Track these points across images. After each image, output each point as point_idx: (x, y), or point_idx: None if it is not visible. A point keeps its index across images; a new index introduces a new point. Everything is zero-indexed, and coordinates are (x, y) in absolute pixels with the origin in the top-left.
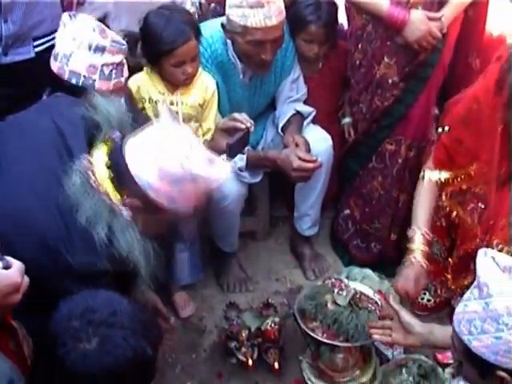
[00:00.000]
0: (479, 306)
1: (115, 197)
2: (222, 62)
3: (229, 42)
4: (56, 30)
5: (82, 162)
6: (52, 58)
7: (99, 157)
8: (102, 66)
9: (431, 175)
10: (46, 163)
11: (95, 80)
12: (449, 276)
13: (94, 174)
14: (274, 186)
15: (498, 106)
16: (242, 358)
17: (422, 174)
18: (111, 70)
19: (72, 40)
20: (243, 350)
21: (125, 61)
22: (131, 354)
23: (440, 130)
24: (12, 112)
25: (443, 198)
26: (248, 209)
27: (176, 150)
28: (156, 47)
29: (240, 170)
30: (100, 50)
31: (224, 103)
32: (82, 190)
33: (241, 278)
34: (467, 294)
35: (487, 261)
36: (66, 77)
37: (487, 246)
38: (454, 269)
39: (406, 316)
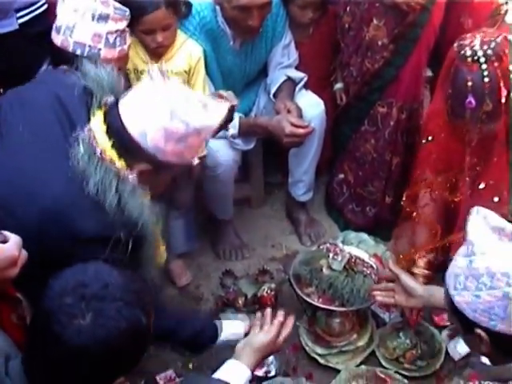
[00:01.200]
0: (464, 262)
1: (120, 164)
2: (211, 30)
3: (218, 8)
4: (37, 2)
5: (85, 131)
6: (54, 31)
7: (98, 124)
8: (107, 34)
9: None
10: (48, 132)
11: (100, 49)
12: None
13: (97, 143)
14: (269, 152)
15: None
16: None
17: None
18: (115, 38)
19: (74, 11)
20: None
21: (127, 28)
22: (126, 325)
23: (424, 141)
24: (3, 87)
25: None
26: (243, 176)
27: (175, 107)
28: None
29: (233, 137)
30: (104, 18)
31: (214, 71)
32: (88, 159)
33: (236, 245)
34: (460, 249)
35: (478, 219)
36: (70, 48)
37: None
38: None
39: (407, 279)
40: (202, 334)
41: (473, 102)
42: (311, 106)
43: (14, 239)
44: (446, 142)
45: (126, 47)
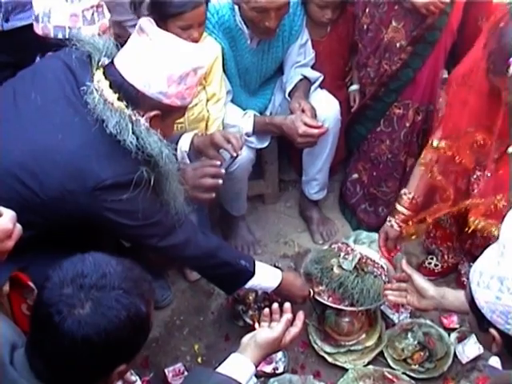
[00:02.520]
0: (492, 261)
1: (130, 111)
2: (229, 28)
3: (236, 7)
4: None
5: (94, 83)
6: (34, 22)
7: (101, 81)
8: (83, 11)
9: (436, 143)
10: (59, 93)
11: (80, 28)
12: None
13: (105, 95)
14: (283, 149)
15: (483, 71)
16: (248, 320)
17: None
18: (93, 14)
19: None
20: (250, 312)
21: (103, 2)
22: (125, 314)
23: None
24: None
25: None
26: (257, 172)
27: (170, 51)
28: (166, 8)
29: (247, 135)
30: None
31: (231, 69)
32: (104, 104)
33: (249, 241)
34: (491, 247)
35: None
36: (51, 34)
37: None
38: (456, 234)
39: (419, 280)
40: (241, 261)
41: None
42: (326, 105)
43: (7, 213)
44: (479, 101)
45: (106, 21)
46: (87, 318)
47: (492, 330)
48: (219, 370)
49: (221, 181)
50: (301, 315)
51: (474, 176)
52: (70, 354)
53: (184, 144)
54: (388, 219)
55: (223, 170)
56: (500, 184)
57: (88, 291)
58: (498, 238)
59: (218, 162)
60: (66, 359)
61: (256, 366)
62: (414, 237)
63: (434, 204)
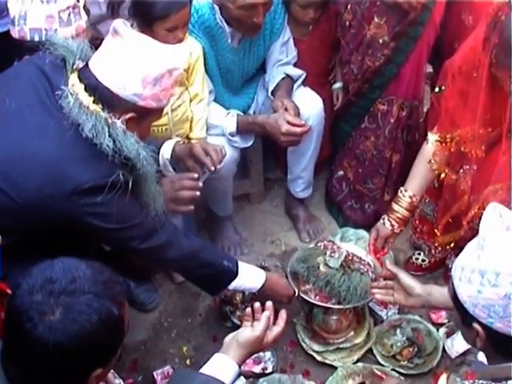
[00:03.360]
0: (473, 256)
1: (106, 114)
2: (209, 27)
3: (216, 6)
4: None
5: (69, 87)
6: (10, 25)
7: (76, 84)
8: (59, 13)
9: (431, 138)
10: (33, 98)
11: (57, 29)
12: (437, 232)
13: (80, 98)
14: (268, 148)
15: (485, 64)
16: (236, 321)
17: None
18: (69, 15)
19: (22, 0)
20: (238, 313)
21: (79, 3)
22: (97, 318)
23: (436, 89)
24: None
25: (435, 159)
26: (242, 172)
27: (144, 53)
28: (151, 11)
29: (231, 135)
30: None
31: (213, 68)
32: (79, 108)
33: (235, 241)
34: (472, 241)
35: (493, 215)
36: (28, 37)
37: (480, 209)
38: (444, 228)
39: (406, 278)
40: (224, 262)
41: None
42: (310, 103)
43: None
44: (481, 94)
45: (82, 22)
46: (58, 324)
47: (475, 325)
48: (203, 370)
49: (198, 193)
50: (283, 314)
51: (461, 171)
52: (42, 361)
53: (166, 151)
54: (382, 217)
55: (201, 184)
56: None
57: (58, 297)
58: None
59: (196, 175)
60: (40, 366)
61: (239, 366)
62: (452, 244)
63: (451, 204)
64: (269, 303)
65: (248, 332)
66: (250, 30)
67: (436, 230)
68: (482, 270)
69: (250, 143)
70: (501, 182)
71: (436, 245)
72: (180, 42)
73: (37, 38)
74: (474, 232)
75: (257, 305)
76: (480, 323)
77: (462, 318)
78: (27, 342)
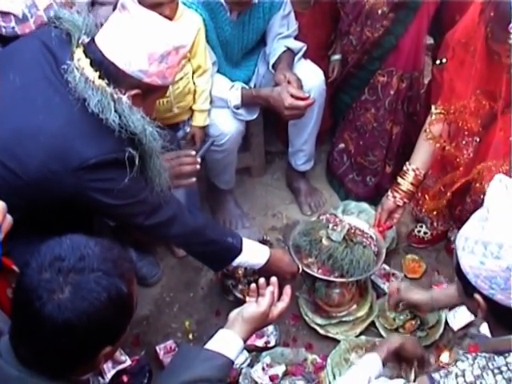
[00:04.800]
0: (477, 226)
1: (111, 89)
2: (207, 1)
3: None
4: None
5: (74, 62)
6: (19, 25)
7: (82, 59)
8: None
9: (434, 111)
10: (38, 73)
11: (14, 27)
12: (427, 197)
13: (86, 73)
14: (269, 121)
15: (481, 37)
16: (238, 295)
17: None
18: (23, 13)
19: None
20: (240, 287)
21: None
22: (106, 295)
23: (438, 62)
24: None
25: (430, 129)
26: (243, 145)
27: (151, 29)
28: None
29: (236, 107)
30: None
31: (213, 40)
32: (85, 83)
33: (237, 215)
34: (477, 212)
35: (499, 187)
36: (45, 19)
37: (479, 184)
38: (434, 195)
39: (411, 300)
40: (228, 239)
41: None
42: (311, 75)
43: None
44: (479, 66)
45: (40, 13)
46: (67, 302)
47: (476, 296)
48: (208, 346)
49: (198, 166)
50: (288, 290)
51: (464, 142)
52: (52, 339)
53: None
54: (389, 191)
55: (199, 159)
56: (508, 149)
57: (67, 275)
58: None
59: (193, 152)
60: (49, 344)
61: (244, 341)
62: (435, 212)
63: (444, 173)
64: (273, 279)
65: (253, 307)
66: (239, 5)
67: (426, 195)
68: (485, 241)
69: (254, 116)
70: (495, 159)
71: (423, 210)
72: (168, 19)
73: (52, 14)
74: (476, 205)
75: (261, 280)
76: (481, 294)
77: (465, 288)
78: (36, 321)
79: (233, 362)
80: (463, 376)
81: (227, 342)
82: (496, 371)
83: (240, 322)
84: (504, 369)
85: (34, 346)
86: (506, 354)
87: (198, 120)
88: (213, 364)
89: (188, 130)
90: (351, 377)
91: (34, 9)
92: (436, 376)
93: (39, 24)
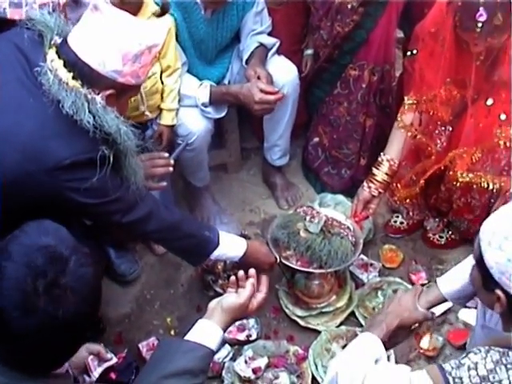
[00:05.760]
0: (507, 222)
1: (85, 90)
2: None
3: None
4: None
5: (47, 64)
6: (12, 8)
7: (55, 60)
8: None
9: (407, 102)
10: (11, 76)
11: (5, 9)
12: (399, 186)
13: (59, 74)
14: (244, 117)
15: (450, 26)
16: (219, 290)
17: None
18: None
19: None
20: (220, 282)
21: None
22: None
23: (409, 53)
24: None
25: (402, 118)
26: (219, 142)
27: (124, 30)
28: None
29: (204, 105)
30: None
31: (185, 41)
32: (58, 85)
33: (214, 211)
34: (505, 206)
35: None
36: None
37: (451, 171)
38: (406, 183)
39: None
40: (205, 232)
41: (484, 15)
42: (284, 71)
43: None
44: (449, 55)
45: (35, 6)
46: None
47: (498, 291)
48: (188, 337)
49: (171, 169)
50: (264, 280)
51: (436, 131)
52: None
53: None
54: (364, 182)
55: (172, 161)
56: (478, 136)
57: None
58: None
59: (166, 154)
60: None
61: (224, 331)
62: (407, 200)
63: (418, 162)
64: (252, 270)
65: (233, 298)
66: (213, 2)
67: (398, 184)
68: None
69: (222, 114)
70: (467, 146)
71: (395, 198)
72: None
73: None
74: (450, 194)
75: (241, 273)
76: (503, 290)
77: (485, 281)
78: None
79: (214, 352)
80: (476, 369)
81: (207, 333)
82: (509, 366)
83: (219, 312)
84: None
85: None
86: None
87: (166, 119)
88: (194, 355)
89: (156, 128)
90: (356, 357)
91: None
92: (447, 367)
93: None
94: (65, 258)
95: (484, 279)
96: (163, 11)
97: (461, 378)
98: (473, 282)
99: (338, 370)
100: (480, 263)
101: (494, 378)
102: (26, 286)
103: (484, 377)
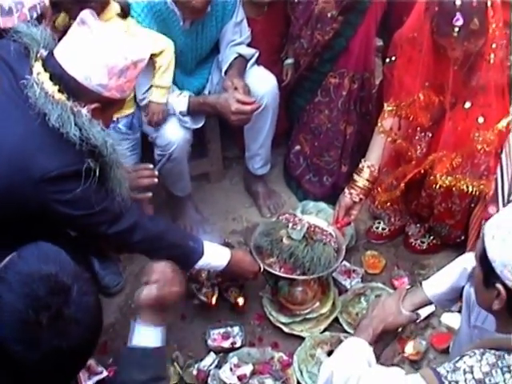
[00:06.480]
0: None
1: (71, 103)
2: (159, 11)
3: None
4: None
5: (33, 76)
6: (2, 17)
7: (41, 73)
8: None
9: (387, 108)
10: None
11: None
12: (379, 190)
13: (45, 87)
14: (225, 127)
15: (427, 32)
16: (203, 298)
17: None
18: (9, 6)
19: None
20: (204, 290)
21: None
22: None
23: (387, 60)
24: None
25: (382, 123)
26: (200, 151)
27: (111, 44)
28: None
29: (181, 114)
30: None
31: None
32: (45, 98)
33: (197, 220)
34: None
35: None
36: (28, 17)
37: (431, 176)
38: (386, 188)
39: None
40: (189, 242)
41: (461, 20)
42: (263, 81)
43: None
44: (427, 61)
45: (25, 10)
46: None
47: (498, 285)
48: (134, 343)
49: (156, 180)
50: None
51: (416, 137)
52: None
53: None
54: (345, 189)
55: (156, 172)
56: (457, 140)
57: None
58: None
59: (151, 166)
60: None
61: (160, 325)
62: (388, 204)
63: (398, 168)
64: None
65: (145, 292)
66: (191, 13)
67: (379, 188)
68: None
69: (200, 124)
70: (446, 149)
71: (375, 203)
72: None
73: (35, 16)
74: (431, 200)
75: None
76: (504, 285)
77: (486, 276)
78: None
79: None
80: (471, 372)
81: (145, 333)
82: (505, 369)
83: (144, 309)
84: None
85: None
86: None
87: (154, 95)
88: (153, 360)
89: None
90: (349, 358)
91: (20, 5)
92: (442, 371)
93: (22, 20)
94: (67, 288)
95: (485, 275)
96: (124, 13)
97: (457, 382)
98: (474, 280)
99: (333, 370)
100: (482, 259)
101: (490, 380)
102: (28, 318)
103: (480, 380)
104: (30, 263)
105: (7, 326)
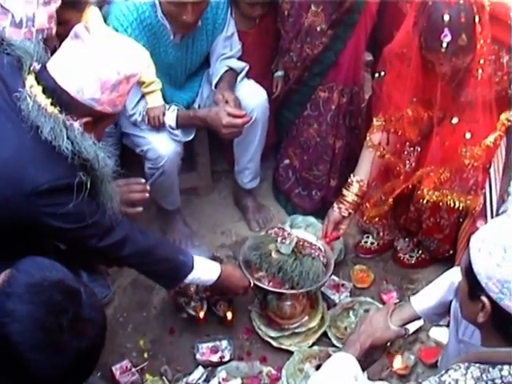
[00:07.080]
0: (497, 229)
1: (63, 116)
2: (150, 25)
3: (157, 3)
4: None
5: (26, 89)
6: (11, 27)
7: (34, 86)
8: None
9: (376, 123)
10: None
11: (5, 27)
12: (367, 205)
13: (38, 100)
14: (214, 141)
15: (416, 47)
16: (191, 312)
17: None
18: (21, 19)
19: None
20: (192, 304)
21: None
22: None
23: (377, 75)
24: None
25: (371, 137)
26: (189, 165)
27: (104, 59)
28: None
29: (171, 128)
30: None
31: (154, 65)
32: (38, 110)
33: (186, 234)
34: (497, 217)
35: None
36: (33, 38)
37: (419, 190)
38: (374, 203)
39: (380, 341)
40: (179, 256)
41: (449, 35)
42: (254, 95)
43: None
44: (415, 76)
45: (33, 29)
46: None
47: (483, 298)
48: None
49: (147, 194)
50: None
51: (405, 152)
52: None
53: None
54: (334, 203)
55: (148, 187)
56: (444, 155)
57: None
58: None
59: (143, 180)
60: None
61: None
62: (377, 219)
63: (387, 182)
64: None
65: None
66: (182, 28)
67: (367, 203)
68: (505, 244)
69: (190, 137)
70: (433, 164)
71: (364, 218)
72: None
73: (40, 38)
74: (420, 214)
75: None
76: (489, 297)
77: (471, 289)
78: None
79: None
80: None
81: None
82: (490, 383)
83: None
84: (498, 381)
85: None
86: (501, 367)
87: (150, 102)
88: None
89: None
90: (335, 376)
91: (30, 22)
92: None
93: (27, 37)
94: (77, 291)
95: (470, 287)
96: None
97: None
98: (459, 294)
99: None
100: (468, 271)
101: None
102: (49, 325)
103: None
104: (33, 274)
105: (27, 337)
